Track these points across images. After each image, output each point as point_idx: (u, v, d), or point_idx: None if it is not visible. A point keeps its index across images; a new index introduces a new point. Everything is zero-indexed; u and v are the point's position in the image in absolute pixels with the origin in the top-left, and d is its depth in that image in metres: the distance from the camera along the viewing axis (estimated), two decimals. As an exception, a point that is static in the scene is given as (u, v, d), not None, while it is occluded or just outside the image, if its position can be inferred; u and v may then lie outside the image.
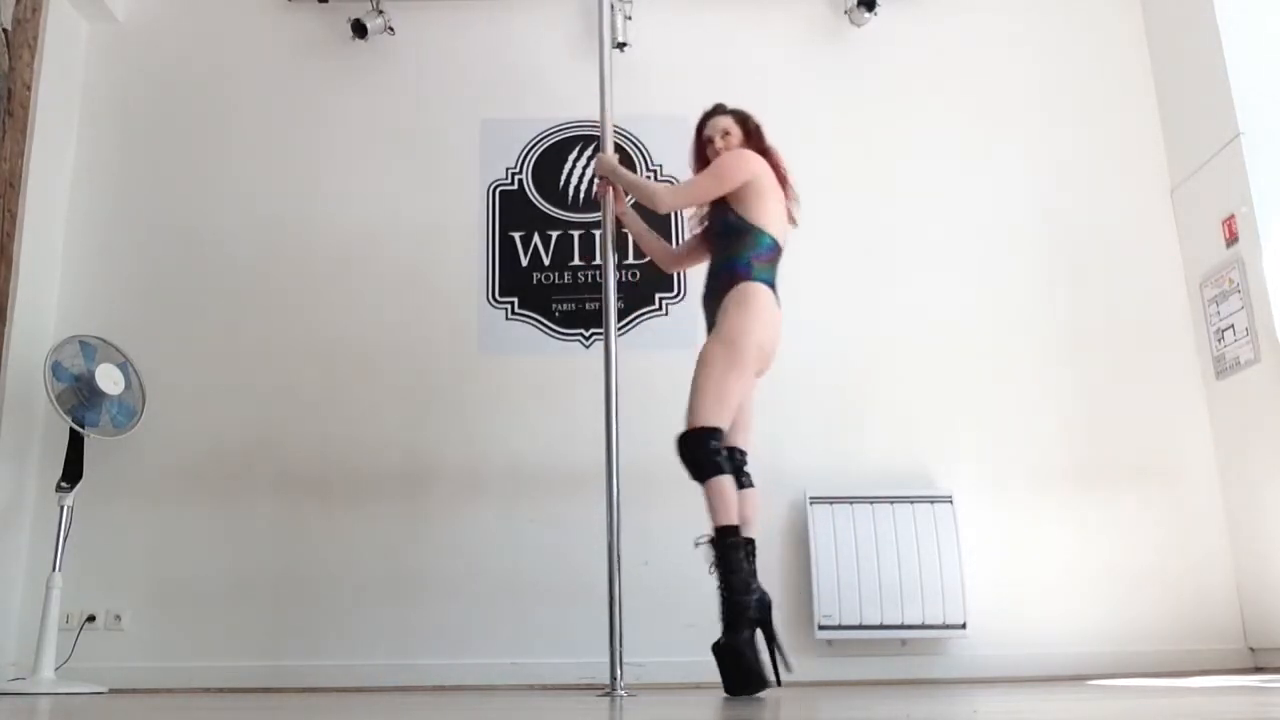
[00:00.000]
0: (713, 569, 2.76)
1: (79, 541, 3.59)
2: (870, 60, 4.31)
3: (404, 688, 3.60)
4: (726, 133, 3.17)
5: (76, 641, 3.60)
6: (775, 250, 3.01)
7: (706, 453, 2.79)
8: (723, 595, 2.74)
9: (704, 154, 3.21)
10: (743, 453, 2.97)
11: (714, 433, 2.80)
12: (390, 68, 4.31)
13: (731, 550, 2.74)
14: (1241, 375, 3.75)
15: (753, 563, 2.86)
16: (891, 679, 3.61)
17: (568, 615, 3.64)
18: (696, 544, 2.80)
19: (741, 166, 3.04)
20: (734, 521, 2.75)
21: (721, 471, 2.77)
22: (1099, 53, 4.34)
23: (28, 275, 3.86)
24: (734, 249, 2.99)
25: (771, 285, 2.98)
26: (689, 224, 3.43)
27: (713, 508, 2.76)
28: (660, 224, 3.75)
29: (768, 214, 3.01)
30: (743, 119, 3.21)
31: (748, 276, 2.94)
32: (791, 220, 3.16)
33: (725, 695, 2.77)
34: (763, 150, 3.13)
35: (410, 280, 4.09)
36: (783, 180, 3.13)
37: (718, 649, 2.72)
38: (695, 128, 3.25)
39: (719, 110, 3.24)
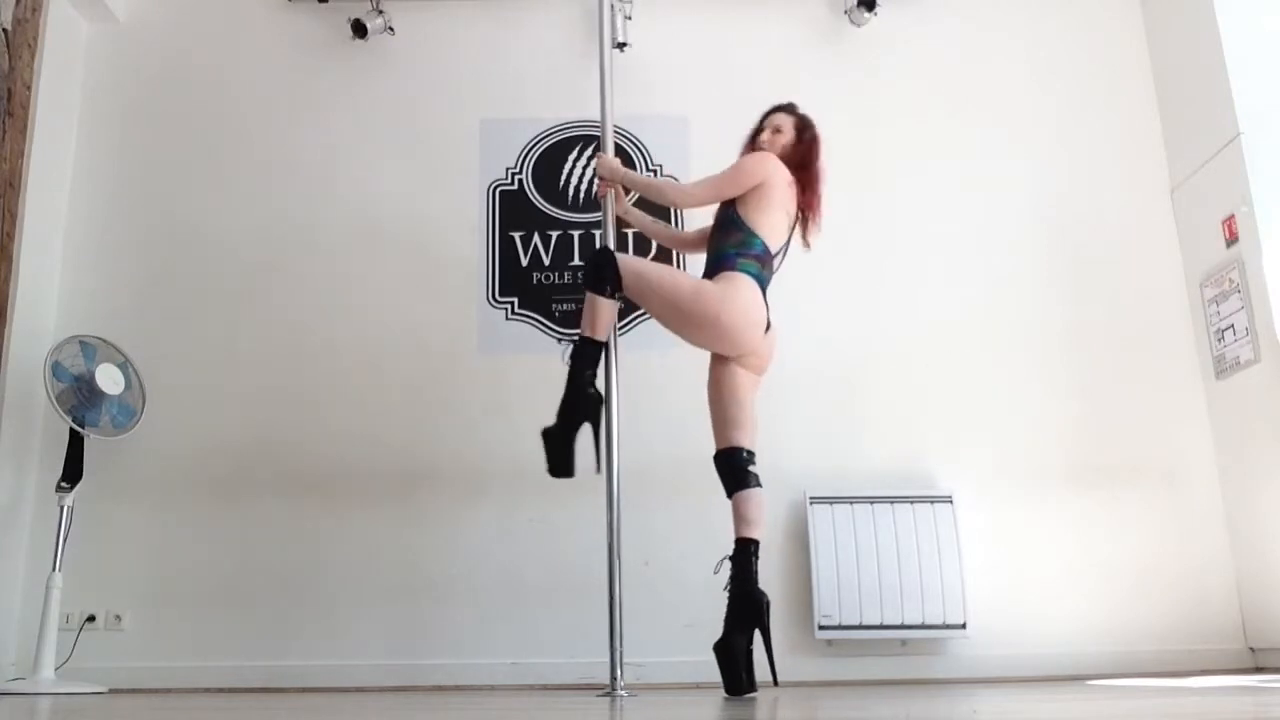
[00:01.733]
0: None
1: (79, 541, 3.60)
2: (870, 60, 4.31)
3: (404, 688, 3.60)
4: (778, 130, 3.18)
5: (76, 641, 3.60)
6: (765, 253, 3.01)
7: (601, 273, 2.98)
8: (567, 389, 3.00)
9: (753, 143, 3.22)
10: (750, 452, 2.96)
11: (614, 272, 2.97)
12: (390, 67, 4.31)
13: (584, 356, 2.99)
14: (1241, 375, 3.75)
15: (755, 562, 2.86)
16: (891, 679, 3.61)
17: (568, 615, 3.64)
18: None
19: (756, 170, 3.05)
20: (599, 336, 3.00)
21: (599, 293, 2.96)
22: (1099, 53, 4.34)
23: (28, 275, 3.86)
24: (725, 243, 3.03)
25: (758, 280, 2.98)
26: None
27: (585, 316, 3.01)
28: (663, 213, 3.77)
29: (767, 223, 3.02)
30: (802, 126, 3.20)
31: (732, 267, 2.97)
32: (805, 243, 3.16)
33: (725, 695, 2.77)
34: (804, 163, 3.12)
35: (410, 280, 4.09)
36: (809, 203, 3.12)
37: (544, 433, 3.01)
38: (761, 114, 3.26)
39: (787, 109, 3.24)
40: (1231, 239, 3.78)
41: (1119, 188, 4.20)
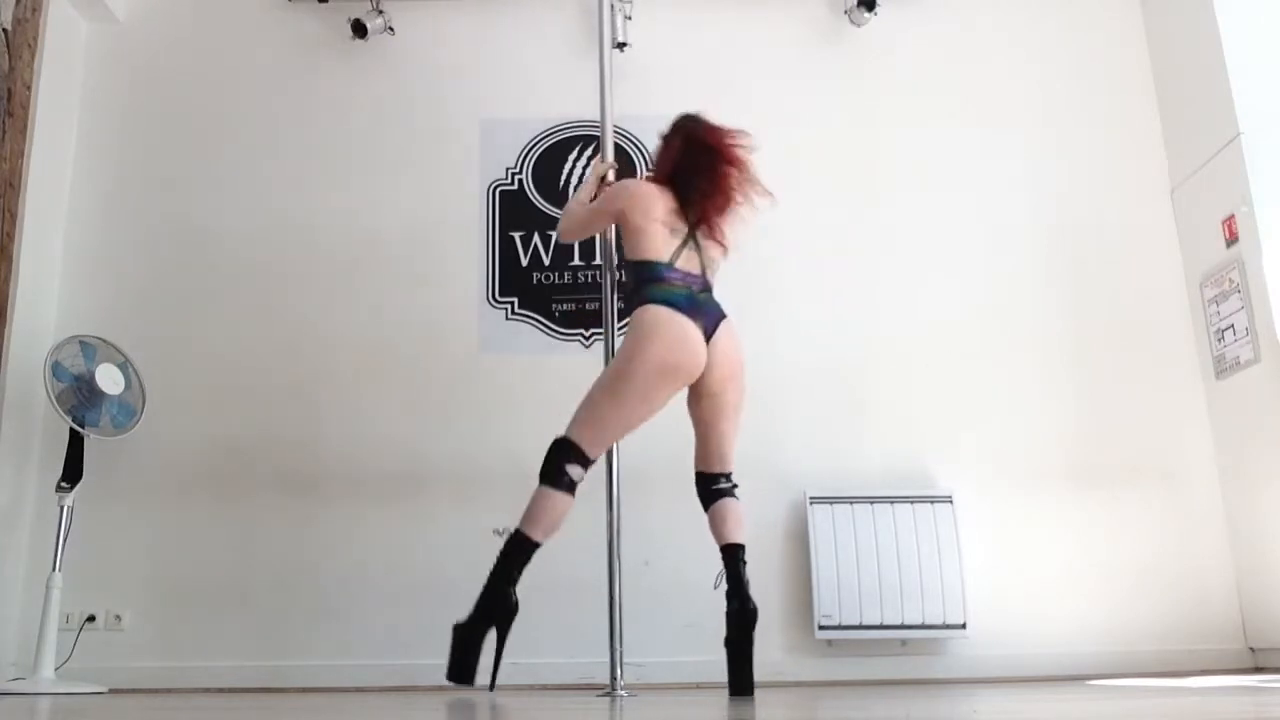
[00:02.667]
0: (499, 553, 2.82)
1: (79, 541, 3.59)
2: (870, 60, 4.31)
3: (404, 688, 3.60)
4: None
5: (76, 641, 3.60)
6: (665, 269, 2.86)
7: (553, 462, 2.79)
8: (487, 584, 2.78)
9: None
10: (724, 475, 2.94)
11: (569, 448, 2.79)
12: (390, 68, 4.31)
13: (516, 554, 2.77)
14: (1241, 375, 3.75)
15: (744, 568, 2.83)
16: (891, 679, 3.61)
17: (568, 615, 3.64)
18: (497, 532, 2.83)
19: (611, 202, 3.03)
20: (536, 536, 2.76)
21: (554, 485, 2.76)
22: (1099, 53, 4.34)
23: (28, 275, 3.85)
24: (627, 282, 3.00)
25: (671, 303, 2.80)
26: None
27: (528, 510, 2.78)
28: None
29: (645, 246, 2.90)
30: (669, 131, 3.09)
31: (634, 306, 2.87)
32: (719, 243, 2.98)
33: (731, 695, 2.77)
34: (682, 170, 2.98)
35: (410, 280, 4.09)
36: (701, 215, 2.95)
37: (455, 627, 2.77)
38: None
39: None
40: (1231, 239, 3.78)
41: (1119, 188, 4.20)
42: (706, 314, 2.85)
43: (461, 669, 2.76)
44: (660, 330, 2.78)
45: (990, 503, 3.80)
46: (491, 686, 2.81)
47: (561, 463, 2.77)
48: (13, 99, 3.86)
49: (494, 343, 4.03)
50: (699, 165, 2.98)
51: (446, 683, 2.80)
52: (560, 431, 2.85)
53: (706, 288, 2.93)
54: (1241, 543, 3.77)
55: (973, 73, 4.30)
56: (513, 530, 2.79)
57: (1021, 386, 3.97)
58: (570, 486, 2.77)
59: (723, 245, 3.01)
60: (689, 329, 2.79)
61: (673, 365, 2.78)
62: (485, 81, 4.30)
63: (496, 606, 2.76)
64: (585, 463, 2.79)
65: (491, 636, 2.78)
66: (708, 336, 2.83)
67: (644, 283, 2.87)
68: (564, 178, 4.20)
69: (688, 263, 2.91)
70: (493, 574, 2.79)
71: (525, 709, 2.41)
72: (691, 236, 2.94)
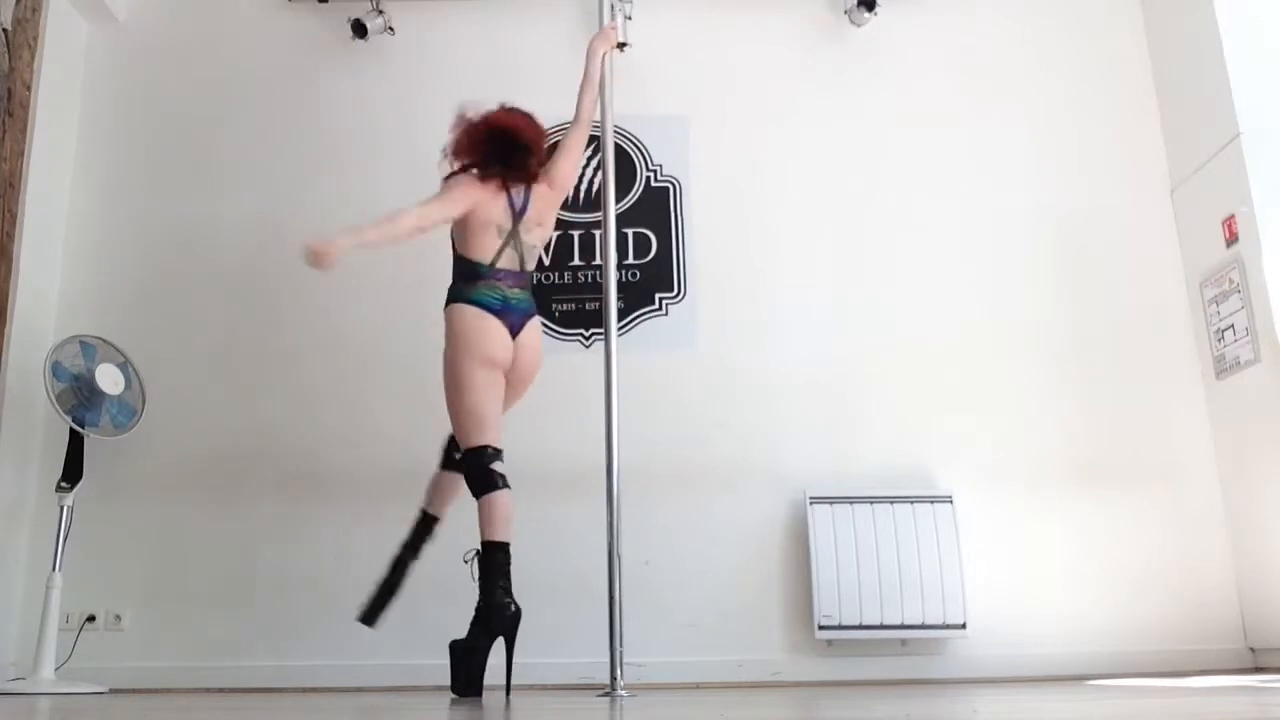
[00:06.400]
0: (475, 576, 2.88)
1: (79, 541, 3.59)
2: (870, 60, 4.31)
3: (404, 688, 3.60)
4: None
5: (76, 641, 3.61)
6: (491, 273, 3.03)
7: (478, 470, 2.92)
8: (482, 600, 2.86)
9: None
10: (496, 449, 2.97)
11: (480, 451, 2.93)
12: (390, 68, 4.31)
13: (495, 564, 2.85)
14: (1241, 375, 3.75)
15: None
16: (891, 679, 3.61)
17: (568, 615, 3.64)
18: (465, 560, 2.91)
19: (463, 195, 3.06)
20: (505, 537, 2.87)
21: (494, 487, 2.89)
22: (1099, 53, 4.34)
23: (28, 275, 3.85)
24: (454, 275, 3.09)
25: (478, 303, 2.99)
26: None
27: (487, 521, 2.87)
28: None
29: (481, 247, 3.05)
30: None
31: (450, 301, 3.04)
32: (541, 227, 3.18)
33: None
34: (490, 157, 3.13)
35: (410, 280, 4.08)
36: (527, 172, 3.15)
37: (454, 645, 2.86)
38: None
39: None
40: (1231, 239, 3.78)
41: (1119, 187, 4.19)
42: (516, 312, 3.04)
43: (469, 682, 2.82)
44: (470, 327, 2.98)
45: (990, 503, 3.80)
46: (507, 694, 2.85)
47: (486, 466, 2.90)
48: (13, 99, 3.86)
49: (494, 343, 4.01)
50: (504, 154, 3.14)
51: (447, 682, 2.80)
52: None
53: (521, 285, 3.08)
54: (1241, 543, 3.77)
55: (972, 73, 4.30)
56: (479, 547, 2.87)
57: (1022, 386, 3.97)
58: (505, 480, 2.91)
59: (544, 228, 3.19)
60: (488, 335, 2.98)
61: (488, 358, 2.97)
62: (485, 81, 4.28)
63: (497, 619, 2.82)
64: (496, 452, 2.94)
65: (499, 646, 2.83)
66: (515, 333, 3.03)
67: (462, 280, 3.04)
68: (564, 178, 4.19)
69: (508, 262, 3.06)
70: (484, 591, 2.85)
71: (525, 709, 2.41)
72: (514, 234, 3.08)
